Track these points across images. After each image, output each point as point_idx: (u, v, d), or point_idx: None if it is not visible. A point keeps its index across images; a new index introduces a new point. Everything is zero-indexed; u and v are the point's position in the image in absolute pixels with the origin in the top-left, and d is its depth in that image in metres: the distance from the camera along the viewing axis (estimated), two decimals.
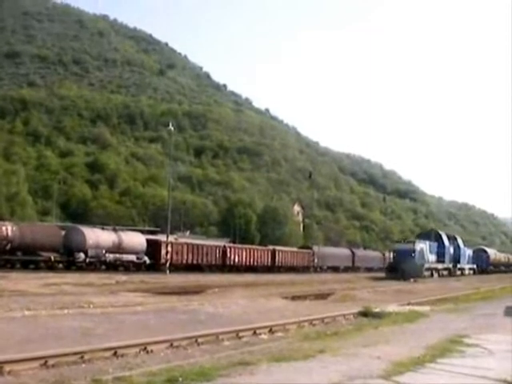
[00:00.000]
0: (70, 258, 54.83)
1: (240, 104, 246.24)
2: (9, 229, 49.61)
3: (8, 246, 49.32)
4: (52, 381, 10.62)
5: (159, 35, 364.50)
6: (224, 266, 71.40)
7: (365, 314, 24.92)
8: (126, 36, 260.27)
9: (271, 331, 19.03)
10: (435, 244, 78.76)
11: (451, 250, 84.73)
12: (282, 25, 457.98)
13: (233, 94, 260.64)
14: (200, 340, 16.01)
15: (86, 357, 12.60)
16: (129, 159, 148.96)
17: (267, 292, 37.36)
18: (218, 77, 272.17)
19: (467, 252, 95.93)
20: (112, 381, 10.16)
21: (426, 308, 28.04)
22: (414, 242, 73.85)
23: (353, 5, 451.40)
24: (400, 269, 67.49)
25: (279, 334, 18.88)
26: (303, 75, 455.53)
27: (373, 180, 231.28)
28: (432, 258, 76.10)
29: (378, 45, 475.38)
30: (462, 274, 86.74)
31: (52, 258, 53.00)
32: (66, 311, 21.05)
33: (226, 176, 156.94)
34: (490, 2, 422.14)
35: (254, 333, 18.26)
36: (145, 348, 14.14)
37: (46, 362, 11.80)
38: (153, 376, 10.43)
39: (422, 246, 73.89)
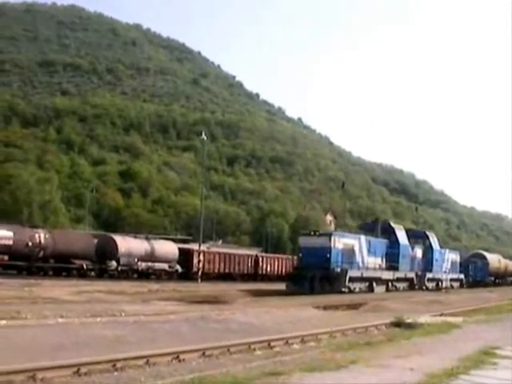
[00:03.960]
0: (102, 265, 55.13)
1: (273, 113, 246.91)
2: (42, 236, 49.88)
3: (41, 254, 49.62)
4: None
5: (192, 44, 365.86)
6: (256, 275, 71.34)
7: (397, 324, 24.70)
8: (159, 45, 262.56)
9: (303, 341, 18.91)
10: (382, 241, 55.32)
11: (416, 253, 61.65)
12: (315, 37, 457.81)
13: (265, 103, 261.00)
14: (232, 349, 15.95)
15: (119, 365, 12.61)
16: (161, 168, 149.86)
17: (299, 302, 37.23)
18: (250, 86, 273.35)
19: (447, 256, 71.52)
20: None
21: (459, 319, 27.80)
22: (330, 235, 48.20)
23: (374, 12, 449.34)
24: (307, 277, 45.05)
25: (311, 343, 18.77)
26: (336, 85, 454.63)
27: (405, 190, 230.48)
28: (373, 261, 52.58)
29: (407, 55, 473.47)
30: (438, 288, 64.40)
31: (84, 266, 53.27)
32: (98, 319, 21.09)
33: (259, 185, 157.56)
34: None
35: (286, 342, 18.15)
36: (177, 357, 14.11)
37: (78, 369, 11.82)
38: None
39: (351, 242, 49.78)
